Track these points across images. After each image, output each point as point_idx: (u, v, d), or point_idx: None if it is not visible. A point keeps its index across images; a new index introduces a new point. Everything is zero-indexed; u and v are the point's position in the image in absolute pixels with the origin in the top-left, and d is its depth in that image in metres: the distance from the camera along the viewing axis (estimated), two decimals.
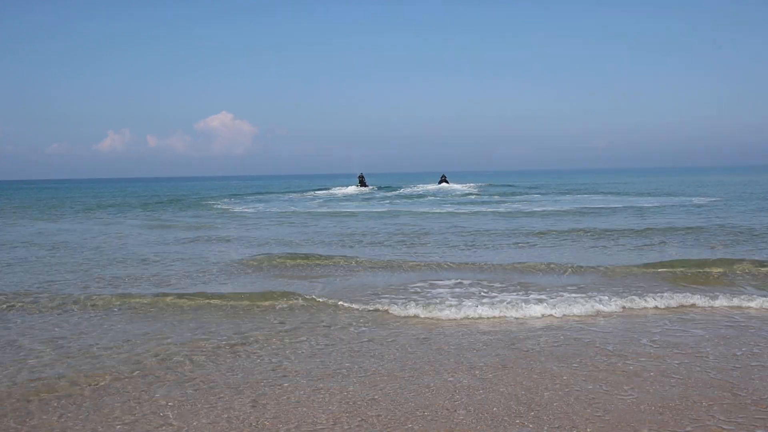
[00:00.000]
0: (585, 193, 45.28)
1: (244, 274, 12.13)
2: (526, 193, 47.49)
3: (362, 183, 62.65)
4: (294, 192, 60.17)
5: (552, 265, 11.96)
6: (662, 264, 11.87)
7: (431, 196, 46.63)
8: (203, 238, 18.53)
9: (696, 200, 32.25)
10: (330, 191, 57.41)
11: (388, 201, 40.52)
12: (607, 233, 17.65)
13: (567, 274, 11.37)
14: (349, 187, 61.10)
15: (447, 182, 65.68)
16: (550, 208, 29.02)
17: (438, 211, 29.31)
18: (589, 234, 17.64)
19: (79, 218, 28.64)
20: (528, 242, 16.38)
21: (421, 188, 60.60)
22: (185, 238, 18.62)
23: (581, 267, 11.80)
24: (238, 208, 34.24)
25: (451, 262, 12.78)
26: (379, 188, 61.02)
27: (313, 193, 56.10)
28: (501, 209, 29.21)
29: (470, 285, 10.37)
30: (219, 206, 36.94)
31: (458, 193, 50.10)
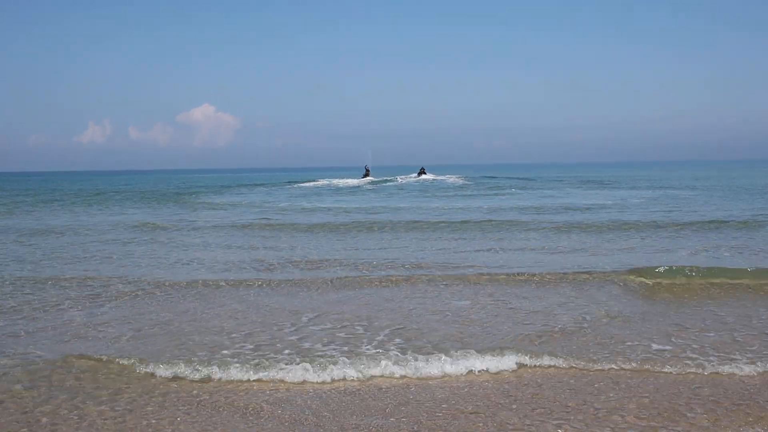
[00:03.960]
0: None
1: None
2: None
3: (368, 175, 65.52)
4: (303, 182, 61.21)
5: None
6: None
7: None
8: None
9: None
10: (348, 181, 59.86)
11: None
12: None
13: None
14: (349, 180, 63.37)
15: (425, 174, 69.41)
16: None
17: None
18: None
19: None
20: None
21: (402, 180, 62.53)
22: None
23: None
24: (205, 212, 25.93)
25: None
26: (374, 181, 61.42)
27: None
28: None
29: None
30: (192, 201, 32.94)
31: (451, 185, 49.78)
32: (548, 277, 10.12)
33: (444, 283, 9.96)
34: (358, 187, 51.14)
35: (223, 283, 10.10)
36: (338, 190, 46.97)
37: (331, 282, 10.11)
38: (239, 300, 9.00)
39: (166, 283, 10.12)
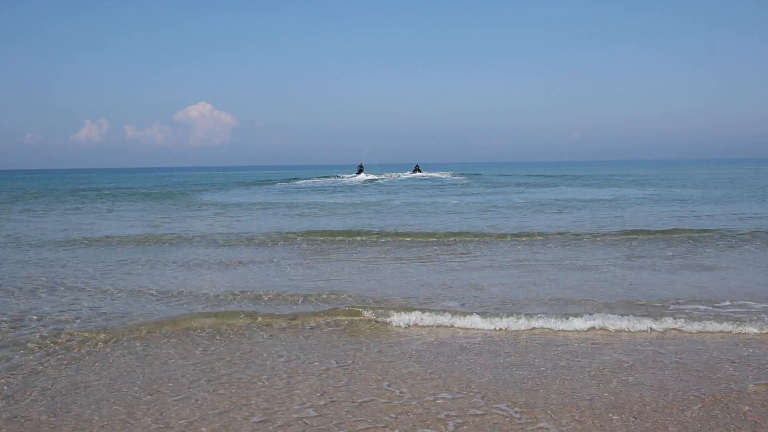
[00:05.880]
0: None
1: None
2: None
3: (361, 172, 67.06)
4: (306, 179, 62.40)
5: None
6: None
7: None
8: None
9: None
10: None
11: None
12: None
13: None
14: (345, 176, 65.93)
15: (420, 171, 71.67)
16: None
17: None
18: None
19: None
20: None
21: (396, 177, 64.05)
22: None
23: None
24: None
25: None
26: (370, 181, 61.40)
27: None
28: None
29: None
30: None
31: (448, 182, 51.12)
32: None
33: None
34: (355, 185, 49.94)
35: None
36: (335, 188, 45.70)
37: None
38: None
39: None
